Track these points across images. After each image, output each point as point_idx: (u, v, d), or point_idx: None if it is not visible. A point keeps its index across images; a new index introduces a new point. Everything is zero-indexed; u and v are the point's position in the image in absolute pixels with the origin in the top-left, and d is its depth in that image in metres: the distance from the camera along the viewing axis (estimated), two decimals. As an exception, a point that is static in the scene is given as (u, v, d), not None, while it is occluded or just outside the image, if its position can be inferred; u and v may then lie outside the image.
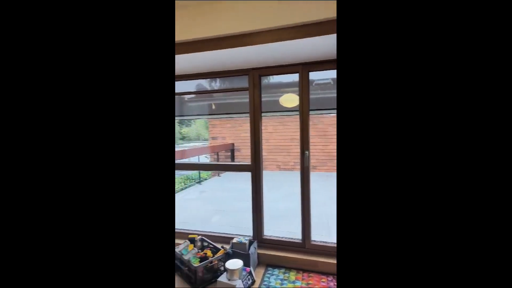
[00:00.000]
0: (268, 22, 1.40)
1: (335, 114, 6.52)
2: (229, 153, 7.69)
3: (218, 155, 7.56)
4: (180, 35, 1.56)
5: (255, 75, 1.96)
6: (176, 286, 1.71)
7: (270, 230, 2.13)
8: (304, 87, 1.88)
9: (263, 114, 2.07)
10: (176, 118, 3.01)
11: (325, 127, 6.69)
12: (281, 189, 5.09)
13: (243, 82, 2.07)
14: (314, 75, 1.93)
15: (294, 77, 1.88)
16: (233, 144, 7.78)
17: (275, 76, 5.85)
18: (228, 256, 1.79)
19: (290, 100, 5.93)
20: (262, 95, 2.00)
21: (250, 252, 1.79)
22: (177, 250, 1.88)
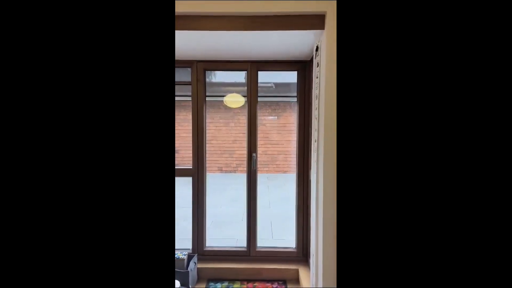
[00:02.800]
0: (216, 6, 1.23)
1: (276, 117, 6.83)
2: (167, 155, 7.02)
3: (153, 156, 6.81)
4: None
5: (200, 68, 1.76)
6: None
7: (212, 240, 1.95)
8: (253, 87, 1.79)
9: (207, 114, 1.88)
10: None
11: (267, 129, 6.87)
12: (224, 193, 4.92)
13: (185, 75, 1.83)
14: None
15: (237, 78, 1.77)
16: (171, 144, 7.14)
17: (218, 75, 5.67)
18: (162, 277, 1.52)
19: (235, 100, 5.83)
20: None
21: (189, 269, 1.58)
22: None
